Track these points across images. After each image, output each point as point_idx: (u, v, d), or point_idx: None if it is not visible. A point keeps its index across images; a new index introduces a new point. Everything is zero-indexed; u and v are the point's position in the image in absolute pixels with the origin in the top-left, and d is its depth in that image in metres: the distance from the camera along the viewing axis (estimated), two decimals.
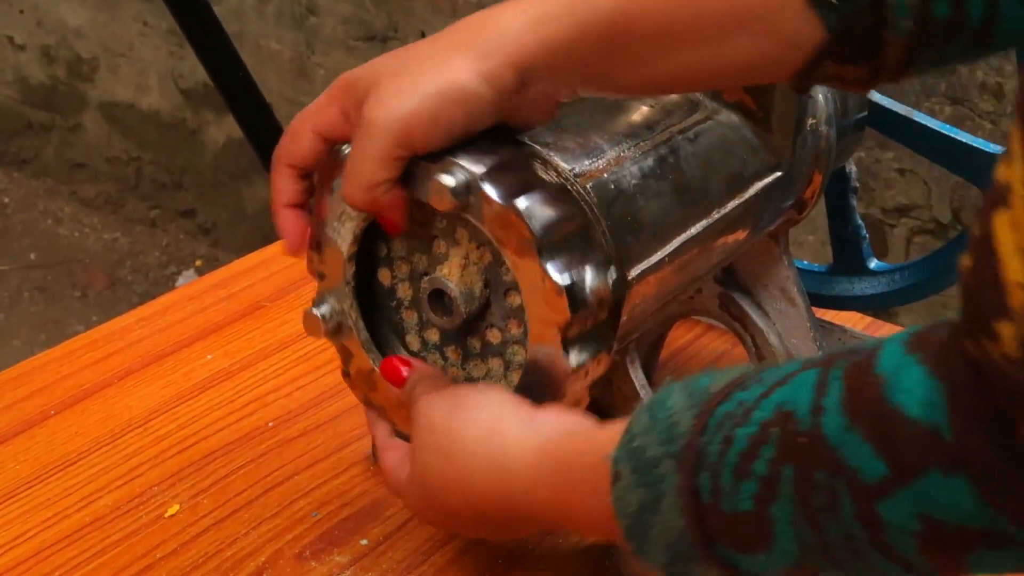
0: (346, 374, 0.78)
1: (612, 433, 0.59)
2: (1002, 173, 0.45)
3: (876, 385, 0.49)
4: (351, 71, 0.70)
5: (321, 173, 0.73)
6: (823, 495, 0.50)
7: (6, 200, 3.24)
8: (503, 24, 0.67)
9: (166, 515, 0.83)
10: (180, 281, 2.93)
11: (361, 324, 0.76)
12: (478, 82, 0.66)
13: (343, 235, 0.74)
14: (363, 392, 0.78)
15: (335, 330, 0.77)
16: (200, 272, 2.95)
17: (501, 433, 0.66)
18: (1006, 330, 0.44)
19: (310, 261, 0.76)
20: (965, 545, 0.49)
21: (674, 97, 0.82)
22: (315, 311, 0.76)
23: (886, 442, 0.49)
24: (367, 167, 0.67)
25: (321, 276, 0.76)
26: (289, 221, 0.73)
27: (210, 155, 3.03)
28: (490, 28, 0.67)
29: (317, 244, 0.75)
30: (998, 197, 0.44)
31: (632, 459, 0.56)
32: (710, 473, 0.54)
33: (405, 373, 0.73)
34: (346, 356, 0.77)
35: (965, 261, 0.47)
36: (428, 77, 0.66)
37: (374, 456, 0.89)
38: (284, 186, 0.73)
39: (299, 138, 0.71)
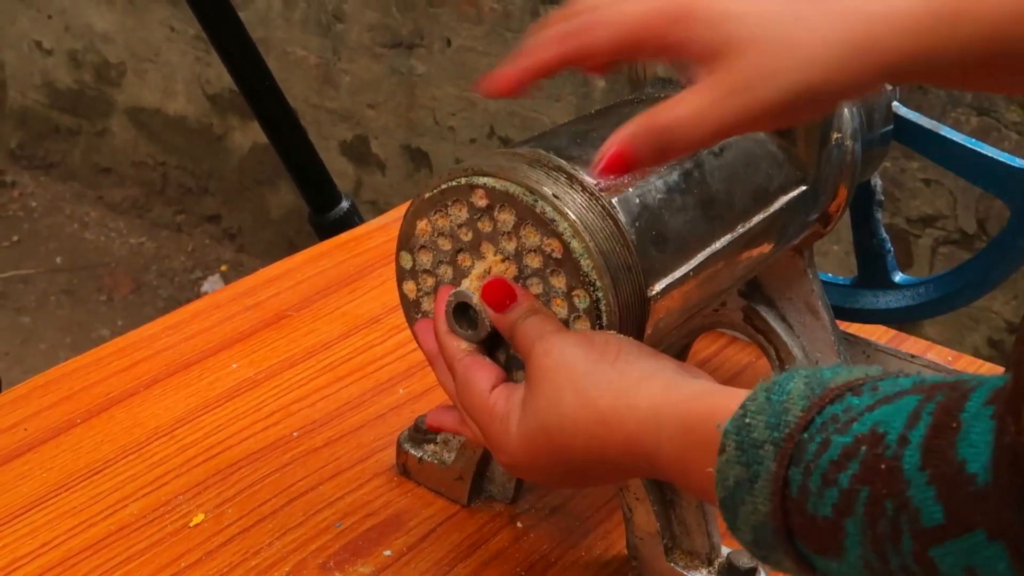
0: None
1: (735, 401, 0.59)
2: None
3: (954, 430, 0.49)
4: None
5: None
6: (888, 525, 0.50)
7: (33, 204, 3.26)
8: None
9: (191, 524, 0.84)
10: (205, 286, 2.94)
11: None
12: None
13: None
14: None
15: None
16: (225, 277, 2.96)
17: (648, 382, 0.65)
18: None
19: None
20: None
21: None
22: None
23: (947, 491, 0.48)
24: (689, 116, 0.60)
25: None
26: (531, 68, 0.68)
27: (236, 160, 3.04)
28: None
29: None
30: None
31: (740, 435, 0.57)
32: (803, 470, 0.54)
33: (516, 293, 0.71)
34: None
35: (1020, 331, 0.47)
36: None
37: (398, 467, 0.89)
38: (559, 45, 0.66)
39: (599, 29, 0.64)
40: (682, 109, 0.60)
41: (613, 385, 0.65)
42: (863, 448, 0.52)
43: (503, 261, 0.72)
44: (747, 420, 0.57)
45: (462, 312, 0.73)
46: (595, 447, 0.65)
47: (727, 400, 0.60)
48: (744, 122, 0.61)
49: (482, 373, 0.71)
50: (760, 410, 0.57)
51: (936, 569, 0.49)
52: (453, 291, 0.73)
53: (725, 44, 0.60)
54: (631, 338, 0.70)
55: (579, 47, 0.65)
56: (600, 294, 0.70)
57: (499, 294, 0.71)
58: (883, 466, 0.51)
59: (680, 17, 0.61)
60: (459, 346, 0.72)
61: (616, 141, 0.62)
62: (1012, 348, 0.47)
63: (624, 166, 0.62)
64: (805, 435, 0.55)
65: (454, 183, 0.73)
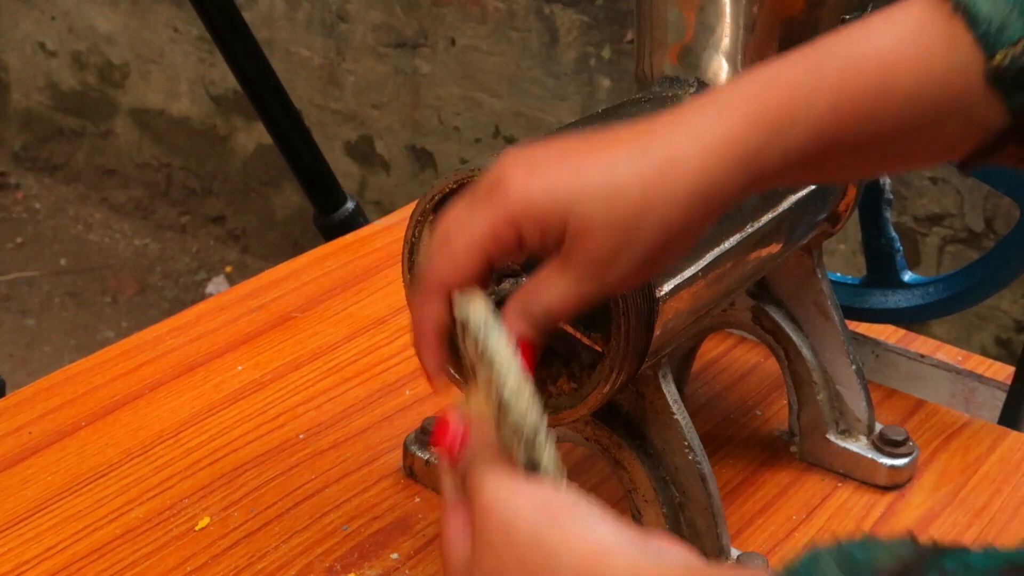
0: None
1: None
2: None
3: None
4: (525, 181, 0.60)
5: None
6: None
7: (37, 206, 3.25)
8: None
9: (196, 528, 0.83)
10: (210, 287, 2.94)
11: None
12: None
13: None
14: None
15: None
16: (230, 278, 2.96)
17: (611, 556, 0.52)
18: None
19: None
20: None
21: None
22: None
23: None
24: (558, 301, 0.61)
25: None
26: (437, 354, 0.63)
27: (240, 161, 3.03)
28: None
29: None
30: None
31: None
32: None
33: (459, 438, 0.59)
34: None
35: None
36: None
37: (405, 469, 0.88)
38: (434, 312, 0.62)
39: (459, 260, 0.61)
40: (547, 297, 0.61)
41: (575, 563, 0.52)
42: None
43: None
44: None
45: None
46: None
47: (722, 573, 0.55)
48: (611, 293, 0.63)
49: (451, 528, 0.58)
50: None
51: None
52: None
53: (574, 233, 0.59)
54: (578, 497, 0.56)
55: (437, 316, 0.62)
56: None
57: (441, 439, 0.60)
58: None
59: (521, 218, 0.60)
60: (449, 486, 0.60)
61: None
62: None
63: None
64: None
65: (459, 184, 0.73)
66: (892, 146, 0.62)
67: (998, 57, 0.57)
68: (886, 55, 0.59)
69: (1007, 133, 0.60)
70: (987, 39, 0.57)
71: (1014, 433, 0.99)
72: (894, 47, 0.59)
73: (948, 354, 1.08)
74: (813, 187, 0.84)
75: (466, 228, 0.61)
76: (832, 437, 0.91)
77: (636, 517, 0.79)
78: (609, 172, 0.59)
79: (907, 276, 0.99)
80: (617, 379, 0.71)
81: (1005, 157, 0.62)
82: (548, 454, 0.58)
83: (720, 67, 0.81)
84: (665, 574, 0.52)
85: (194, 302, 1.22)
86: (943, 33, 0.58)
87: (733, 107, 0.60)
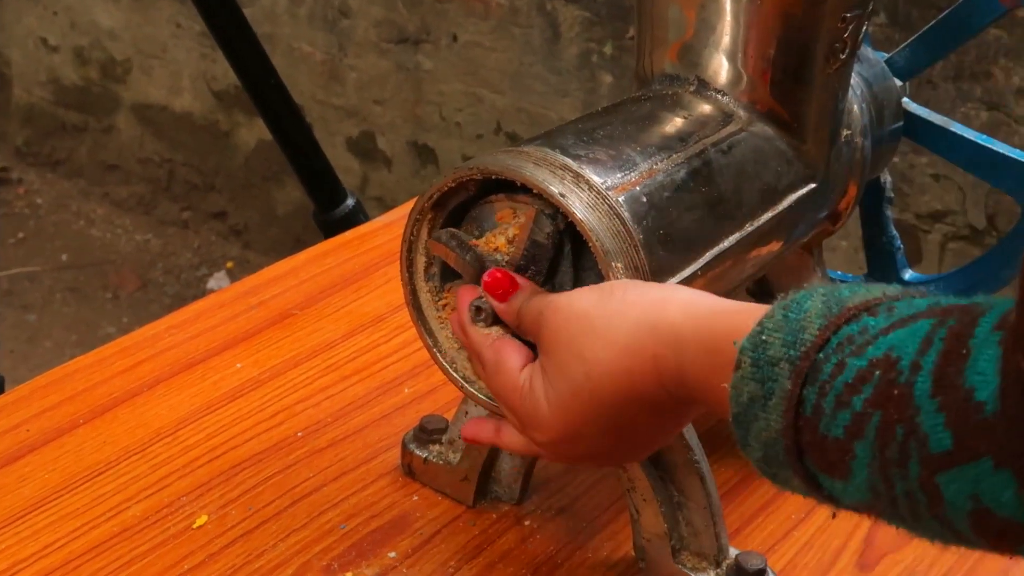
0: None
1: (753, 318, 0.59)
2: None
3: (964, 356, 0.49)
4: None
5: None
6: (897, 451, 0.51)
7: (39, 201, 3.25)
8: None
9: (194, 526, 0.83)
10: (211, 283, 2.94)
11: None
12: None
13: None
14: None
15: None
16: (231, 274, 2.96)
17: (668, 303, 0.64)
18: None
19: None
20: (1011, 537, 0.49)
21: (707, 109, 0.81)
22: None
23: (955, 418, 0.49)
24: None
25: None
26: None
27: (242, 157, 3.03)
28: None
29: None
30: None
31: (756, 352, 0.57)
32: (817, 390, 0.55)
33: (518, 282, 0.71)
34: None
35: None
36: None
37: (403, 467, 0.88)
38: None
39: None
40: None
41: (628, 317, 0.65)
42: (877, 373, 0.52)
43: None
44: (763, 337, 0.57)
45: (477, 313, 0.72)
46: (624, 385, 0.64)
47: (746, 317, 0.60)
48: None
49: (511, 354, 0.70)
50: (777, 327, 0.57)
51: (940, 495, 0.50)
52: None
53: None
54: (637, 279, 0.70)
55: None
56: None
57: (502, 285, 0.71)
58: (895, 392, 0.51)
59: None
60: (486, 332, 0.72)
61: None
62: (1019, 279, 0.47)
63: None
64: (821, 355, 0.55)
65: (458, 183, 0.73)
66: None
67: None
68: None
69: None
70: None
71: None
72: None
73: None
74: (813, 186, 0.84)
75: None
76: None
77: (635, 516, 0.79)
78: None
79: (908, 274, 0.99)
80: None
81: None
82: None
83: (720, 65, 0.81)
84: (703, 313, 0.63)
85: (195, 298, 1.21)
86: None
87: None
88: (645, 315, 0.64)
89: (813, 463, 0.56)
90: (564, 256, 0.71)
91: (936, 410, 0.49)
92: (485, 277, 0.71)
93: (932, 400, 0.49)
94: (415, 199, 0.76)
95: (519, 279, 0.71)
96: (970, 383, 0.48)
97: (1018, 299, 0.47)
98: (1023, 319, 0.46)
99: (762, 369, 0.57)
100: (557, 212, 0.70)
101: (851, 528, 0.86)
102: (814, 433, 0.55)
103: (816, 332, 0.56)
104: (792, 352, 0.56)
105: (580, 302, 0.67)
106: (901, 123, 0.93)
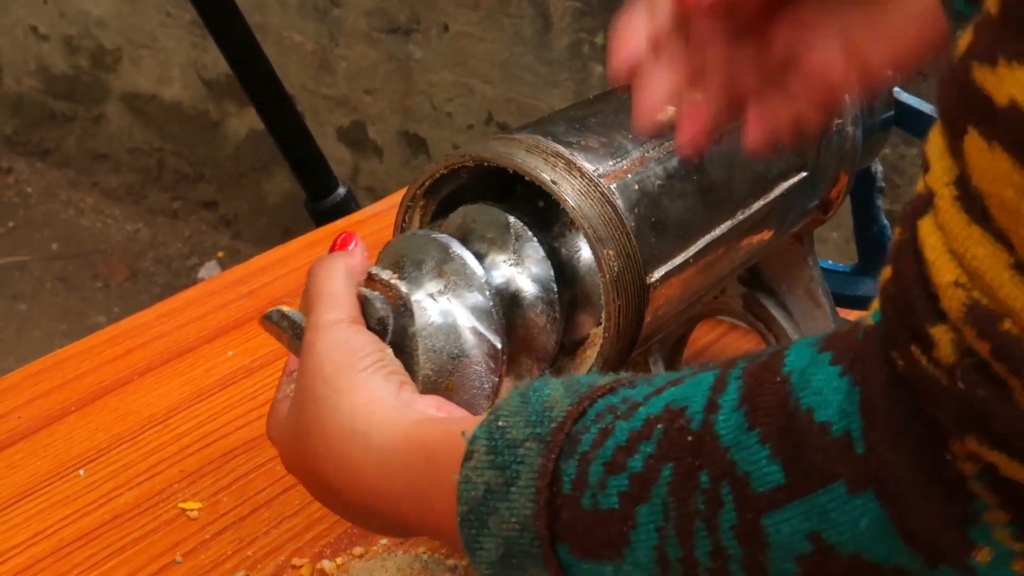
0: None
1: (479, 418, 0.54)
2: (920, 185, 0.42)
3: (782, 383, 0.45)
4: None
5: None
6: (703, 500, 0.46)
7: (28, 191, 3.25)
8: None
9: (186, 513, 0.83)
10: (201, 272, 2.94)
11: None
12: None
13: None
14: None
15: None
16: (222, 263, 2.96)
17: (376, 404, 0.59)
18: (942, 335, 0.40)
19: None
20: None
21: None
22: None
23: (788, 446, 0.44)
24: None
25: None
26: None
27: (232, 147, 3.03)
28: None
29: None
30: (919, 207, 0.42)
31: (491, 438, 0.51)
32: (578, 461, 0.49)
33: (351, 245, 0.72)
34: None
35: (885, 272, 0.44)
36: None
37: None
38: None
39: None
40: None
41: (350, 406, 0.59)
42: (659, 427, 0.47)
43: None
44: (500, 423, 0.52)
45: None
46: (332, 468, 0.60)
47: (469, 420, 0.56)
48: None
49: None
50: (516, 412, 0.52)
51: (765, 541, 0.45)
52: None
53: None
54: (397, 364, 0.63)
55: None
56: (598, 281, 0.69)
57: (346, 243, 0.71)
58: (690, 438, 0.46)
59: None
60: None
61: None
62: (878, 296, 0.44)
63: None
64: (578, 425, 0.50)
65: (450, 169, 0.73)
66: None
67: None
68: None
69: None
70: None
71: None
72: None
73: None
74: (804, 174, 0.84)
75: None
76: None
77: None
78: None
79: None
80: (607, 366, 0.70)
81: None
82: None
83: None
84: (413, 419, 0.57)
85: (186, 287, 1.21)
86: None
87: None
88: (357, 430, 0.59)
89: (572, 550, 0.49)
90: (408, 337, 0.68)
91: (757, 443, 0.44)
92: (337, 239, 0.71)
93: (749, 433, 0.45)
94: (406, 188, 0.76)
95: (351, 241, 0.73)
96: (804, 404, 0.44)
97: (882, 304, 0.43)
98: (893, 321, 0.43)
99: (502, 454, 0.51)
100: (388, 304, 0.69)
101: None
102: (575, 510, 0.49)
103: (567, 408, 0.51)
104: (539, 430, 0.50)
105: (326, 352, 0.63)
106: (892, 113, 0.93)
